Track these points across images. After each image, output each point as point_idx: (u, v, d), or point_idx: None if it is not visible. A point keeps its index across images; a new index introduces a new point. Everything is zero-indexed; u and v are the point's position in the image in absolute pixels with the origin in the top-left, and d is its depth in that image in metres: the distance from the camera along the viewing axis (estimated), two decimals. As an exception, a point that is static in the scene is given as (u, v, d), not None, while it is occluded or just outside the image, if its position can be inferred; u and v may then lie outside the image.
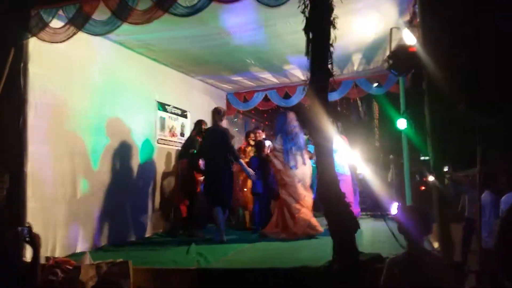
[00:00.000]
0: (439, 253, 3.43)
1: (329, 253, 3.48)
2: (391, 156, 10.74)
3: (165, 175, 6.72)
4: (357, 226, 3.17)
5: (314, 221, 5.55)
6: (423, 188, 8.95)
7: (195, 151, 6.01)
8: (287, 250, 4.82)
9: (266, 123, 12.65)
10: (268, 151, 6.48)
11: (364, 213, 7.50)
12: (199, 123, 6.39)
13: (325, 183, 3.15)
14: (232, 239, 5.51)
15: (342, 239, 3.10)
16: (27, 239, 2.59)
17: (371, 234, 5.58)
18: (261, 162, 6.22)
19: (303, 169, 5.70)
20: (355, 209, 6.18)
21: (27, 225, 2.63)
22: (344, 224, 3.08)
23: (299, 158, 5.68)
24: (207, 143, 5.73)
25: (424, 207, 2.69)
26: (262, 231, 5.75)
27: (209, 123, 6.45)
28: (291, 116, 5.92)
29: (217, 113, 5.78)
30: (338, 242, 3.11)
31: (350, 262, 3.07)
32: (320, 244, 4.99)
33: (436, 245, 4.54)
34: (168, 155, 6.86)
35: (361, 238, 4.71)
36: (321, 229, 5.41)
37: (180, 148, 6.73)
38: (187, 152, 6.07)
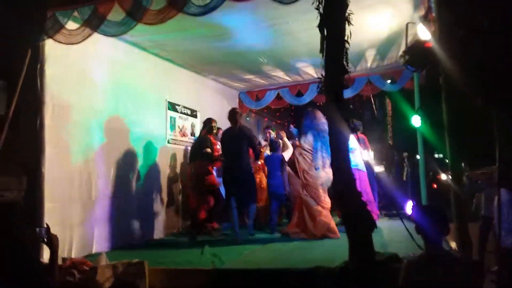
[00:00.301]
0: (457, 253, 3.37)
1: (342, 253, 3.43)
2: (405, 154, 10.61)
3: (177, 176, 6.72)
4: (373, 225, 3.13)
5: (333, 224, 5.49)
6: (435, 186, 8.83)
7: (209, 150, 5.89)
8: (301, 250, 4.79)
9: (278, 121, 12.63)
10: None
11: (379, 212, 7.41)
12: (209, 122, 6.26)
13: (341, 182, 3.11)
14: (246, 239, 5.47)
15: (358, 239, 3.05)
16: (45, 239, 2.60)
17: (387, 234, 5.50)
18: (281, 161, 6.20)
19: (328, 172, 5.41)
20: (374, 211, 6.10)
21: (44, 225, 2.65)
22: (361, 223, 3.03)
23: (326, 161, 5.52)
24: (230, 143, 5.61)
25: (441, 206, 2.63)
26: (282, 230, 5.77)
27: (221, 122, 6.44)
28: (319, 113, 5.83)
29: (238, 113, 5.74)
30: (354, 242, 3.07)
31: (366, 262, 3.02)
32: (333, 245, 4.96)
33: (453, 245, 4.47)
34: (179, 155, 6.87)
35: (377, 238, 4.67)
36: (339, 235, 5.35)
37: (190, 148, 6.52)
38: (199, 153, 5.97)
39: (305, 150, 5.70)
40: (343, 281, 3.22)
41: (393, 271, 2.80)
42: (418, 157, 9.15)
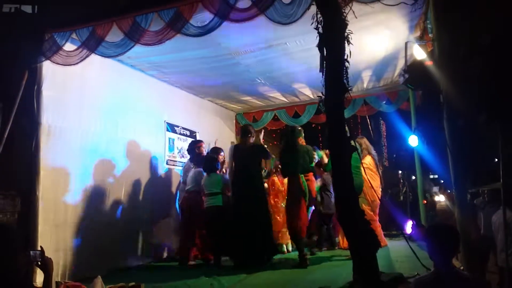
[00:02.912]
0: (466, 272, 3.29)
1: (343, 274, 3.33)
2: (399, 172, 10.60)
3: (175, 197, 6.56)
4: (378, 245, 3.06)
5: (381, 233, 5.85)
6: (425, 202, 8.84)
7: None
8: (302, 272, 4.70)
9: (275, 142, 12.61)
10: None
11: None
12: (297, 132, 5.64)
13: (344, 201, 3.06)
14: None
15: (363, 259, 2.99)
16: (39, 263, 2.52)
17: (387, 254, 5.42)
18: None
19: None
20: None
21: (38, 248, 2.57)
22: (365, 242, 2.97)
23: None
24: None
25: (451, 225, 2.58)
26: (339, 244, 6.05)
27: (219, 144, 6.37)
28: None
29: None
30: (359, 262, 3.00)
31: (372, 282, 2.95)
32: (332, 266, 4.96)
33: (457, 264, 4.39)
34: (178, 176, 6.77)
35: (378, 258, 4.62)
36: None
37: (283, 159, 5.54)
38: (303, 163, 5.39)
39: None
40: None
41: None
42: (413, 177, 9.14)
